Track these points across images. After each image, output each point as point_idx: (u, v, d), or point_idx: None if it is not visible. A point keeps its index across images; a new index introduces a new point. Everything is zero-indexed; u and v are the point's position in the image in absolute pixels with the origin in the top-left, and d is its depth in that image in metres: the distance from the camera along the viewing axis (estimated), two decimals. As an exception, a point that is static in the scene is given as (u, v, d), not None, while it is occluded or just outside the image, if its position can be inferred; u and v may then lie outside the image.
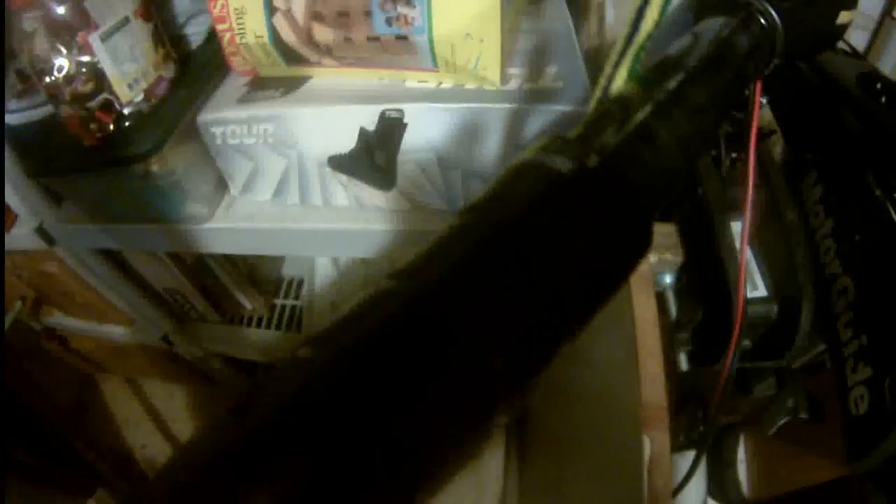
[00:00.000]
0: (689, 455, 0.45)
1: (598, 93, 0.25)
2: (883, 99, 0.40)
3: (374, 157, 0.49)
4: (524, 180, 0.19)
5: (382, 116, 0.47)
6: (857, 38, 0.71)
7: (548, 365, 0.17)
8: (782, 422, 0.45)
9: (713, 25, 0.29)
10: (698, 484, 0.52)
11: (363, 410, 0.14)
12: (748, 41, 0.29)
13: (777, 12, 0.30)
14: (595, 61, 0.59)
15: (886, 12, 0.69)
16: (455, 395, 0.15)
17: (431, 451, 0.15)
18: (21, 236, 0.66)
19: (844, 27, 0.37)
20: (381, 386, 0.14)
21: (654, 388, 0.37)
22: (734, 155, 0.45)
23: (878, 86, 0.40)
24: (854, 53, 0.46)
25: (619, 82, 0.25)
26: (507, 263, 0.17)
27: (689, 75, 0.24)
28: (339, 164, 0.51)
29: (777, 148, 0.48)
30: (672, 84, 0.24)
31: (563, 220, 0.18)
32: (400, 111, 0.46)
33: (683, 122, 0.23)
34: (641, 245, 0.20)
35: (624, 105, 0.22)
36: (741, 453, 0.54)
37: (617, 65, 0.25)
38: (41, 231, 0.66)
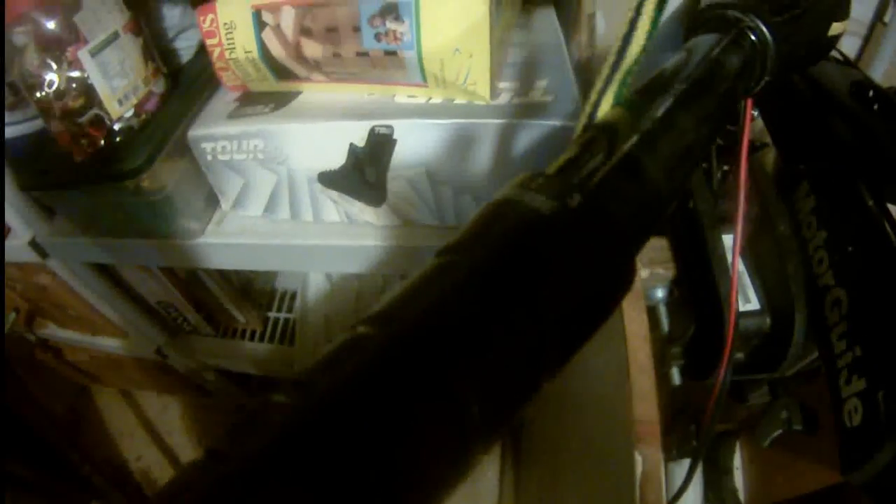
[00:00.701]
0: (685, 462, 0.45)
1: (582, 119, 0.25)
2: (875, 107, 0.39)
3: (365, 173, 0.49)
4: (502, 220, 0.19)
5: (372, 132, 0.46)
6: (848, 44, 0.71)
7: (526, 407, 0.17)
8: (776, 434, 0.45)
9: (703, 44, 0.29)
10: (694, 492, 0.52)
11: (339, 458, 0.14)
12: (739, 60, 0.29)
13: (768, 28, 0.29)
14: (586, 73, 0.59)
15: (878, 18, 0.69)
16: (429, 443, 0.15)
17: (407, 497, 0.15)
18: (14, 249, 0.66)
19: (836, 38, 0.37)
20: (355, 435, 0.14)
21: (645, 404, 0.37)
22: (726, 167, 0.45)
23: (870, 93, 0.40)
24: (845, 61, 0.45)
25: (606, 107, 0.25)
26: (484, 308, 0.17)
27: (677, 100, 0.24)
28: (330, 180, 0.50)
29: (769, 159, 0.48)
30: (659, 111, 0.23)
31: (542, 262, 0.18)
32: (389, 127, 0.46)
33: (670, 151, 0.22)
34: (623, 283, 0.20)
35: (609, 133, 0.22)
36: (737, 460, 0.54)
37: (602, 91, 0.25)
38: (34, 244, 0.65)
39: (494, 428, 0.16)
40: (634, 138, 0.22)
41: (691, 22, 0.32)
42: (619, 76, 0.25)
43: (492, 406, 0.16)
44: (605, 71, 0.25)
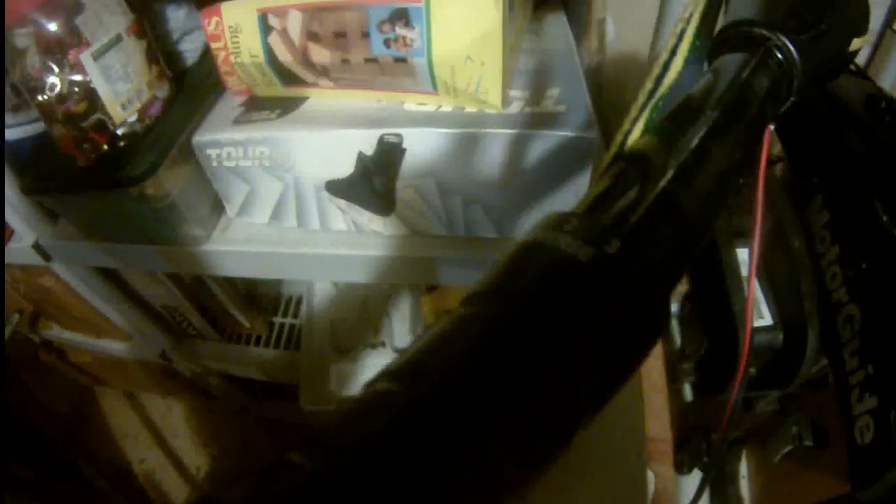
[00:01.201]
0: (694, 473, 0.45)
1: (613, 148, 0.24)
2: (887, 118, 0.39)
3: (373, 182, 0.48)
4: (535, 266, 0.18)
5: (381, 141, 0.46)
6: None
7: (557, 459, 0.16)
8: (787, 450, 0.45)
9: (730, 65, 0.28)
10: (701, 501, 0.51)
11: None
12: (767, 81, 0.28)
13: (794, 46, 0.28)
14: (596, 78, 0.58)
15: (887, 25, 0.68)
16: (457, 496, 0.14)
17: None
18: (18, 251, 0.66)
19: (855, 53, 0.36)
20: (381, 497, 0.13)
21: (658, 422, 0.36)
22: (740, 181, 0.44)
23: (883, 104, 0.39)
24: (859, 72, 0.45)
25: (636, 133, 0.24)
26: (516, 362, 0.16)
27: (711, 129, 0.23)
28: (337, 188, 0.50)
29: (780, 172, 0.47)
30: (693, 140, 0.22)
31: (579, 313, 0.17)
32: (399, 135, 0.45)
33: (706, 184, 0.21)
34: (658, 327, 0.19)
35: (641, 165, 0.21)
36: (744, 469, 0.54)
37: (636, 120, 0.24)
38: (37, 247, 0.65)
39: (526, 482, 0.15)
40: (670, 173, 0.21)
41: (716, 40, 0.31)
42: (652, 103, 0.24)
43: (523, 462, 0.15)
44: (641, 98, 0.24)
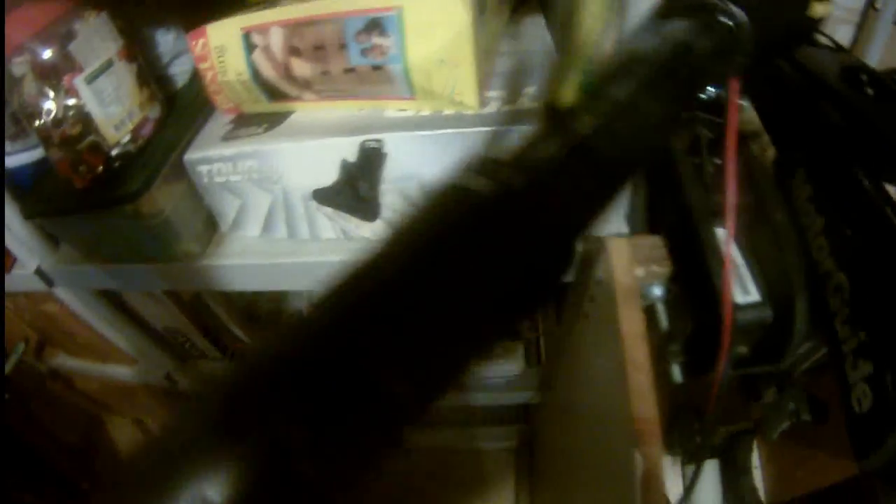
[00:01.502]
0: (704, 464, 0.45)
1: (541, 105, 0.25)
2: (870, 91, 0.39)
3: (358, 188, 0.49)
4: (443, 203, 0.19)
5: (362, 147, 0.47)
6: (842, 33, 0.70)
7: (457, 384, 0.17)
8: (784, 426, 0.45)
9: (672, 27, 0.29)
10: (714, 494, 0.51)
11: (268, 430, 0.14)
12: (710, 42, 0.29)
13: (743, 8, 0.29)
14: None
15: (870, 4, 0.69)
16: (356, 421, 0.15)
17: (334, 475, 0.15)
18: (21, 278, 0.67)
19: (820, 20, 0.36)
20: (283, 412, 0.15)
21: (644, 402, 0.36)
22: (718, 161, 0.44)
23: (864, 78, 0.40)
24: (836, 47, 0.45)
25: (570, 94, 0.25)
26: (417, 289, 0.17)
27: (639, 83, 0.24)
28: (324, 197, 0.51)
29: (767, 148, 0.48)
30: (619, 93, 0.23)
31: (478, 243, 0.18)
32: (379, 141, 0.46)
33: (627, 133, 0.22)
34: (559, 264, 0.20)
35: (567, 117, 0.22)
36: (756, 459, 0.53)
37: (560, 76, 0.25)
38: (40, 273, 0.66)
39: (425, 404, 0.17)
40: (589, 120, 0.22)
41: (666, 10, 0.32)
42: (577, 62, 0.25)
43: (422, 384, 0.17)
44: (562, 55, 0.25)
